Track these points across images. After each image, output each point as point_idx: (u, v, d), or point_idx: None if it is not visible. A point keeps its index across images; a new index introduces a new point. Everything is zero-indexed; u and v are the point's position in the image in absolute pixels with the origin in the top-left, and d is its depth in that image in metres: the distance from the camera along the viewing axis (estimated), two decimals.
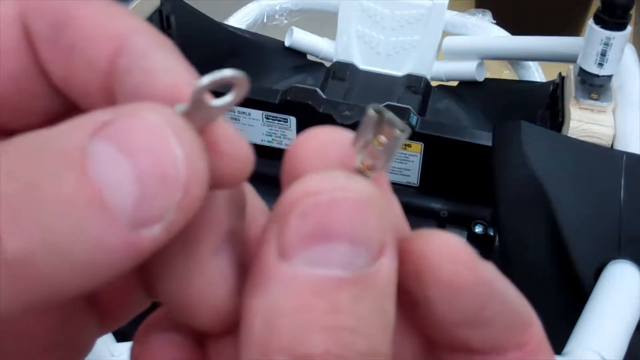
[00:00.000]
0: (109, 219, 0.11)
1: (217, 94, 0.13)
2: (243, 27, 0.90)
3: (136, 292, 0.17)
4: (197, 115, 0.13)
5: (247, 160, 0.14)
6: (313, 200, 0.12)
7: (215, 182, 0.13)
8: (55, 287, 0.11)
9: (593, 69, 0.63)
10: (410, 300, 0.14)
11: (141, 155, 0.12)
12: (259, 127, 0.72)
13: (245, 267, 0.14)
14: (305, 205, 0.12)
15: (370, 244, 0.12)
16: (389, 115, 0.13)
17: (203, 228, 0.14)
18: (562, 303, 0.50)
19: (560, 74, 0.70)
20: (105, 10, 0.14)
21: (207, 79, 0.13)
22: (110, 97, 0.13)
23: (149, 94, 0.13)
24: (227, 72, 0.13)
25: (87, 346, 0.16)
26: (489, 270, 0.13)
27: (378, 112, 0.13)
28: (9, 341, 0.14)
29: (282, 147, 0.74)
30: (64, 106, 0.15)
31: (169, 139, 0.12)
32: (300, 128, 0.71)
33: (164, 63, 0.13)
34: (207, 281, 0.14)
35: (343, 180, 0.12)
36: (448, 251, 0.13)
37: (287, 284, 0.12)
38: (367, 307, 0.12)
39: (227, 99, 0.13)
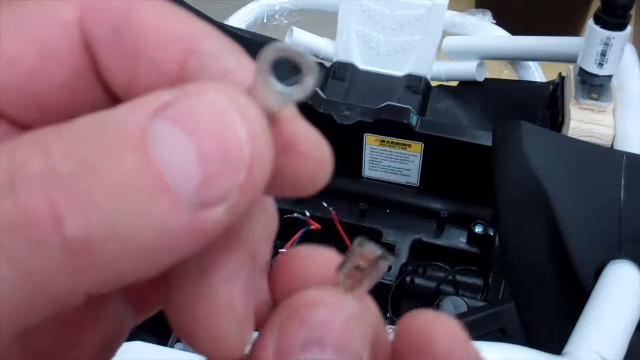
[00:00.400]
0: (172, 201, 0.11)
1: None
2: (243, 27, 0.90)
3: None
4: (263, 98, 0.12)
5: (326, 163, 0.14)
6: (312, 312, 0.14)
7: (291, 186, 0.14)
8: (116, 273, 0.11)
9: (593, 69, 0.63)
10: None
11: (204, 134, 0.11)
12: None
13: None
14: (305, 314, 0.14)
15: (354, 355, 0.14)
16: (372, 246, 0.15)
17: (225, 246, 0.13)
18: (562, 303, 0.50)
19: (560, 74, 0.70)
20: (168, 12, 0.13)
21: (273, 50, 0.12)
22: None
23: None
24: (295, 51, 0.12)
25: (122, 335, 0.16)
26: (474, 348, 0.15)
27: (361, 244, 0.15)
28: (49, 330, 0.14)
29: None
30: None
31: (232, 118, 0.12)
32: None
33: (238, 63, 0.13)
34: (212, 308, 0.13)
35: (339, 295, 0.14)
36: (445, 331, 0.15)
37: None
38: None
39: (294, 86, 0.13)
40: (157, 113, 0.11)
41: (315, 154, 0.14)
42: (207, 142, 0.11)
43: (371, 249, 0.15)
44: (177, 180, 0.11)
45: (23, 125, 0.13)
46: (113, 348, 0.16)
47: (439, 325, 0.15)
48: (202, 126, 0.11)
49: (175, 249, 0.11)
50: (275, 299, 0.16)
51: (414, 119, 0.69)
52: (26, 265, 0.10)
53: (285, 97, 0.13)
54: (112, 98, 0.14)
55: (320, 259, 0.16)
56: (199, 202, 0.11)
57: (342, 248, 0.20)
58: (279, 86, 0.13)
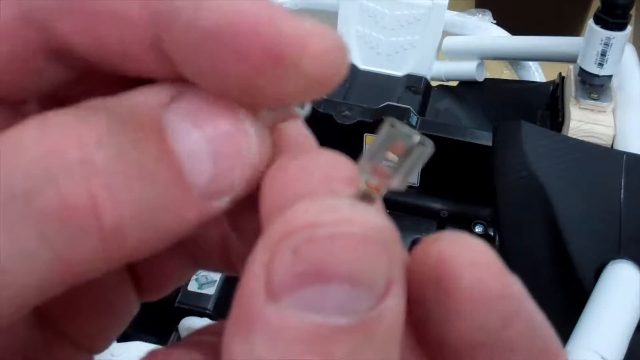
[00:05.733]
0: (186, 192, 0.12)
1: None
2: None
3: (176, 262, 0.17)
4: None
5: (340, 54, 0.12)
6: (308, 234, 0.10)
7: (312, 88, 0.12)
8: (134, 253, 0.11)
9: (593, 69, 0.63)
10: (422, 316, 0.12)
11: (217, 131, 0.12)
12: None
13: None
14: (299, 239, 0.10)
15: (374, 284, 0.10)
16: (406, 128, 0.12)
17: None
18: (562, 303, 0.50)
19: (560, 74, 0.70)
20: None
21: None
22: (158, 52, 0.12)
23: (208, 27, 0.11)
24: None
25: (126, 316, 0.16)
26: (517, 284, 0.12)
27: (392, 125, 0.12)
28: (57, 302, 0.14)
29: None
30: (74, 75, 0.14)
31: (244, 117, 0.12)
32: None
33: None
34: None
35: (347, 210, 0.11)
36: (471, 256, 0.11)
37: (274, 331, 0.10)
38: (369, 358, 0.10)
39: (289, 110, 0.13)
40: (172, 103, 0.12)
41: (323, 47, 0.12)
42: (218, 139, 0.12)
43: (406, 132, 0.11)
44: (191, 173, 0.12)
45: None
46: (116, 325, 0.16)
47: (461, 248, 0.11)
48: (214, 124, 0.12)
49: (180, 232, 0.12)
50: (265, 220, 0.13)
51: (414, 119, 0.69)
52: (64, 251, 0.11)
53: (282, 116, 0.13)
54: (79, 71, 0.13)
55: (324, 160, 0.13)
56: (208, 193, 0.12)
57: None
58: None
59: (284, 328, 0.10)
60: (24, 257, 0.10)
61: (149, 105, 0.12)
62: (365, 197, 0.12)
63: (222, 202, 0.12)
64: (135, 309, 0.17)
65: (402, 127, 0.12)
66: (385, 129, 0.12)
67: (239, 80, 0.11)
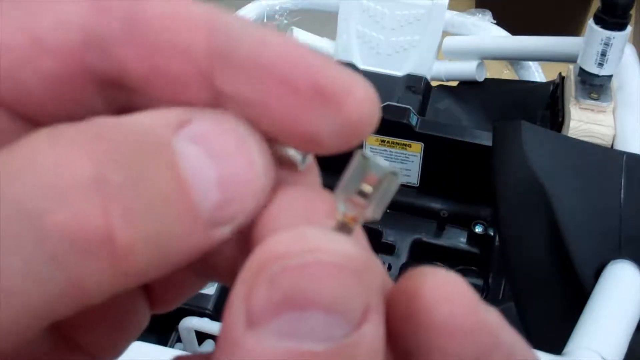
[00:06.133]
0: (194, 218, 0.12)
1: None
2: None
3: (185, 277, 0.17)
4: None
5: (372, 106, 0.13)
6: (282, 264, 0.11)
7: (339, 137, 0.13)
8: (141, 276, 0.11)
9: (593, 69, 0.63)
10: (403, 352, 0.12)
11: (225, 161, 0.12)
12: None
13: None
14: (274, 269, 0.11)
15: (349, 311, 0.11)
16: (377, 159, 0.12)
17: None
18: (562, 303, 0.50)
19: (560, 74, 0.70)
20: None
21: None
22: (209, 82, 0.13)
23: (266, 63, 0.12)
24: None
25: (138, 327, 0.16)
26: (494, 317, 0.12)
27: (363, 156, 0.12)
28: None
29: None
30: (111, 104, 0.14)
31: (252, 148, 0.12)
32: None
33: (265, 32, 0.13)
34: None
35: (317, 239, 0.11)
36: (445, 291, 0.12)
37: (254, 357, 0.10)
38: None
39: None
40: (181, 128, 0.12)
41: (356, 100, 0.13)
42: (227, 169, 0.12)
43: (377, 163, 0.12)
44: (199, 200, 0.12)
45: (20, 115, 0.13)
46: (128, 337, 0.16)
47: (436, 283, 0.12)
48: (223, 152, 0.12)
49: (184, 258, 0.12)
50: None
51: (414, 119, 0.69)
52: (75, 273, 0.11)
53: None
54: (106, 98, 0.14)
55: (305, 194, 0.13)
56: (214, 221, 0.12)
57: None
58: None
59: (263, 354, 0.10)
60: (35, 279, 0.10)
61: (160, 127, 0.12)
62: (343, 227, 0.12)
63: (224, 231, 0.12)
64: (146, 321, 0.17)
65: (373, 159, 0.12)
66: (356, 160, 0.12)
67: (282, 114, 0.12)
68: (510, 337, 0.12)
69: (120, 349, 0.16)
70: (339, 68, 0.13)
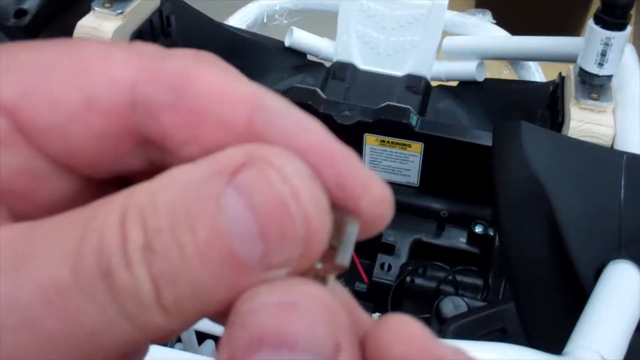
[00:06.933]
0: (241, 268, 0.12)
1: None
2: (243, 27, 0.90)
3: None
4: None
5: (388, 205, 0.14)
6: (249, 306, 0.12)
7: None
8: (189, 323, 0.13)
9: (593, 69, 0.63)
10: None
11: (263, 213, 0.12)
12: None
13: None
14: (243, 312, 0.12)
15: (316, 349, 0.12)
16: (335, 210, 0.14)
17: None
18: (562, 303, 0.50)
19: (560, 74, 0.70)
20: (227, 74, 0.14)
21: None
22: None
23: (298, 149, 0.14)
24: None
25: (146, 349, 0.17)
26: (449, 351, 0.13)
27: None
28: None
29: None
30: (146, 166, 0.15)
31: (289, 202, 0.13)
32: None
33: (302, 122, 0.14)
34: None
35: (283, 285, 0.13)
36: (401, 333, 0.13)
37: None
38: None
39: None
40: (231, 179, 0.12)
41: (378, 202, 0.14)
42: (265, 221, 0.12)
43: (337, 213, 0.14)
44: (244, 250, 0.12)
45: (60, 163, 0.14)
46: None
47: (393, 327, 0.13)
48: (261, 204, 0.12)
49: (231, 300, 0.13)
50: None
51: (414, 119, 0.69)
52: (136, 320, 0.12)
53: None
54: (142, 153, 0.15)
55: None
56: (264, 267, 0.12)
57: None
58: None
59: None
60: (109, 325, 0.12)
61: (210, 182, 0.12)
62: (318, 279, 0.14)
63: (280, 272, 0.13)
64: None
65: (332, 211, 0.13)
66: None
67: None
68: (445, 350, 0.13)
69: None
70: (362, 165, 0.14)
